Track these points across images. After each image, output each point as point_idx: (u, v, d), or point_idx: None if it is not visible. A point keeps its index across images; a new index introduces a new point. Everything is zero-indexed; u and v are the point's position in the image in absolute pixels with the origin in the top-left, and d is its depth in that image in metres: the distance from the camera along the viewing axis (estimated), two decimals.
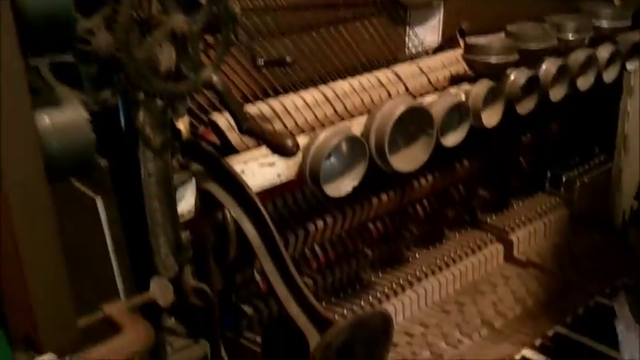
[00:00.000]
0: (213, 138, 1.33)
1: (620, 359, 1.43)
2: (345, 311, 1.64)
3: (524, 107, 1.62)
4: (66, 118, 0.79)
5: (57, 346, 0.74)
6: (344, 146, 1.37)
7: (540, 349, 1.66)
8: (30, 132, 0.72)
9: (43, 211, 0.70)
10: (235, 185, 1.16)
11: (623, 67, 1.85)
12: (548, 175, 2.15)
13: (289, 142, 1.12)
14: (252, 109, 1.36)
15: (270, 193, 1.41)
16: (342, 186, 1.37)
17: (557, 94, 1.66)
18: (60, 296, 0.76)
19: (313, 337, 1.10)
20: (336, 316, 1.59)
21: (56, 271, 0.74)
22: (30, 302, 0.72)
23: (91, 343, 0.77)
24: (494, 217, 2.06)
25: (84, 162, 0.81)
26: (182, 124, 1.20)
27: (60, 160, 0.78)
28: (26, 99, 0.71)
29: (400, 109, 1.34)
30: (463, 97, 1.51)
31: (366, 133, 1.38)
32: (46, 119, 0.78)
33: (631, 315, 1.34)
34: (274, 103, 1.39)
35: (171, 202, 1.14)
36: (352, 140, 1.34)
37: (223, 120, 1.32)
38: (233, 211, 1.15)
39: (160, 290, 1.00)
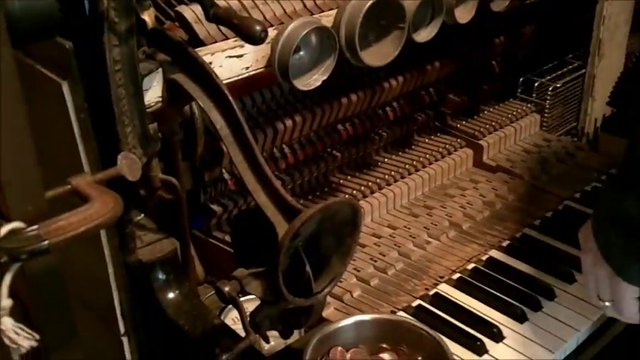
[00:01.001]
0: (180, 33, 1.30)
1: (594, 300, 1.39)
2: None
3: (499, 4, 1.59)
4: None
5: (25, 215, 0.72)
6: (313, 39, 1.34)
7: (507, 250, 1.66)
8: None
9: (7, 74, 0.68)
10: (202, 74, 1.13)
11: None
12: (520, 80, 2.14)
13: (258, 28, 1.09)
14: (219, 2, 1.32)
15: (239, 90, 1.39)
16: (312, 80, 1.35)
17: None
18: (27, 166, 0.74)
19: (282, 227, 1.09)
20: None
21: (23, 139, 0.72)
22: None
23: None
24: (464, 123, 2.05)
25: (46, 23, 0.78)
26: (147, 16, 1.17)
27: (22, 20, 0.75)
28: None
29: None
30: None
31: (336, 25, 1.36)
32: None
33: (600, 252, 1.29)
34: None
35: (137, 91, 1.11)
36: (322, 31, 1.31)
37: (190, 12, 1.29)
38: (200, 100, 1.12)
39: (128, 165, 0.97)
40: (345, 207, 1.11)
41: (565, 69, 2.18)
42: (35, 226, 0.71)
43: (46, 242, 0.70)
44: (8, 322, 0.72)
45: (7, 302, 0.70)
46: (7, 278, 0.69)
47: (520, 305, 1.48)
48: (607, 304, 1.33)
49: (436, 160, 1.91)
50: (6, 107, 0.68)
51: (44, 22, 0.77)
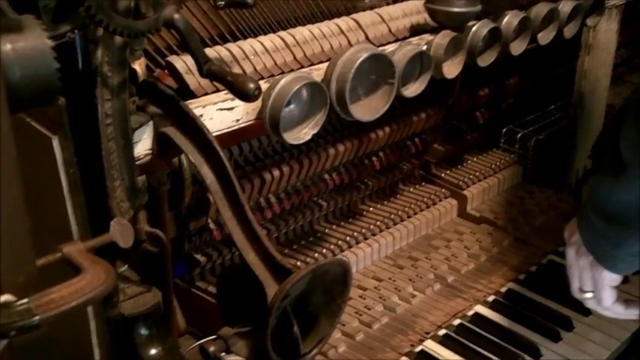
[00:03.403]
0: (170, 82, 1.29)
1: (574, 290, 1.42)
2: (299, 263, 1.63)
3: (485, 60, 1.59)
4: (28, 44, 0.74)
5: (15, 286, 0.70)
6: (304, 93, 1.33)
7: (493, 306, 1.65)
8: None
9: (4, 145, 0.65)
10: (194, 129, 1.12)
11: (584, 23, 1.82)
12: (504, 131, 2.14)
13: (252, 86, 1.08)
14: (210, 53, 1.31)
15: (227, 141, 1.37)
16: (302, 134, 1.34)
17: (518, 47, 1.64)
18: (19, 236, 0.71)
19: (271, 286, 1.07)
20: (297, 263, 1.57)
21: (16, 209, 0.70)
22: None
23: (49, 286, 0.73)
24: (448, 172, 2.05)
25: (47, 91, 0.76)
26: (138, 66, 1.16)
27: (22, 88, 0.73)
28: None
29: (362, 55, 1.31)
30: (425, 47, 1.48)
31: (326, 79, 1.35)
32: (7, 45, 0.73)
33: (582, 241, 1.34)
34: (232, 47, 1.35)
35: (128, 145, 1.10)
36: (313, 86, 1.30)
37: (181, 63, 1.27)
38: (191, 155, 1.11)
39: (121, 231, 0.96)
40: (335, 267, 1.10)
41: (547, 120, 2.19)
42: (26, 300, 0.68)
43: (37, 317, 0.67)
44: None
45: None
46: None
47: None
48: (588, 295, 1.38)
49: (421, 210, 1.91)
50: (1, 178, 0.66)
51: (44, 90, 0.75)
